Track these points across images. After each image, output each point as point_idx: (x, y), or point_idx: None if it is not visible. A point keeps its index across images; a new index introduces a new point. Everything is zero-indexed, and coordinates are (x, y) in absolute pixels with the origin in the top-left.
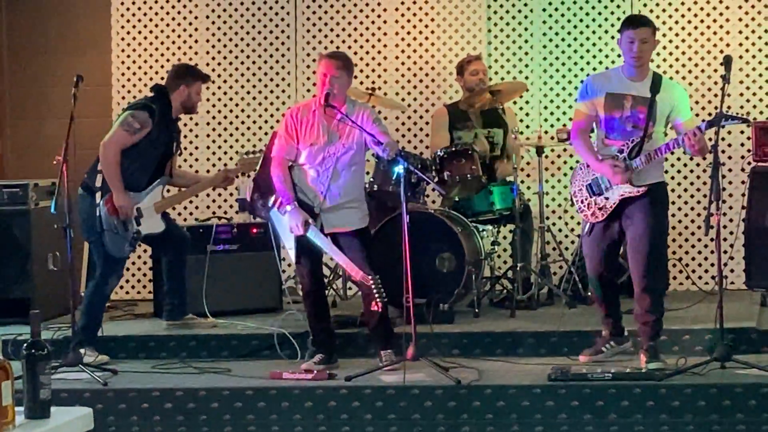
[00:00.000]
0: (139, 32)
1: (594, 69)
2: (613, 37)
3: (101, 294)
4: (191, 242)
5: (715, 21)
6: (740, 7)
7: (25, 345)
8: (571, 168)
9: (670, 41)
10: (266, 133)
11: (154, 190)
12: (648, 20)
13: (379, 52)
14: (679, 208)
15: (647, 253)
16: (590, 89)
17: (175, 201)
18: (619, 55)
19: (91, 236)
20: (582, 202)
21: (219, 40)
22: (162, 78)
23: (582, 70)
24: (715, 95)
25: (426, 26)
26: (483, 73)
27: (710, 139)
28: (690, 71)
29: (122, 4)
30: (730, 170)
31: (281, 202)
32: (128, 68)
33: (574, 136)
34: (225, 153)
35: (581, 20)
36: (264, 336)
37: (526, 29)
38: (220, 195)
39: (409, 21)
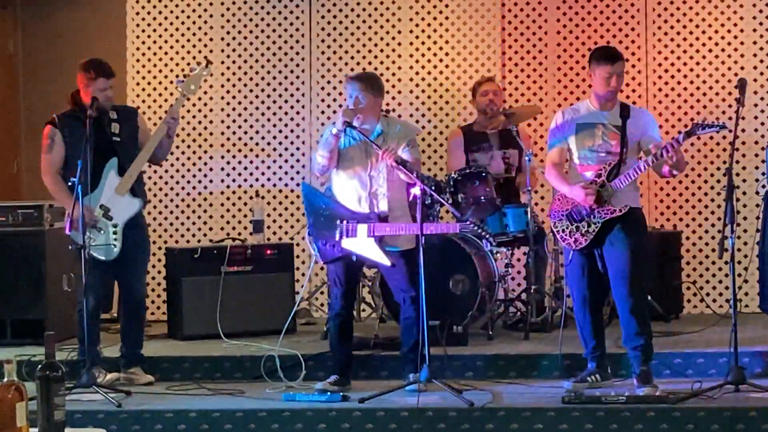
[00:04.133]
0: (154, 54)
1: None
2: (627, 60)
3: (80, 312)
4: (205, 263)
5: (729, 44)
6: (755, 30)
7: (39, 366)
8: None
9: (685, 64)
10: (281, 155)
11: (107, 178)
12: (620, 53)
13: (393, 75)
14: (693, 231)
15: (630, 275)
16: (560, 122)
17: (133, 172)
18: (633, 78)
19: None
20: (563, 231)
21: (234, 62)
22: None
23: None
24: (729, 118)
25: (441, 48)
26: (493, 94)
27: (725, 162)
28: (704, 94)
29: (137, 26)
30: (744, 193)
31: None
32: (143, 89)
33: (548, 168)
34: (239, 174)
35: (595, 42)
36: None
37: (540, 51)
38: (234, 216)
39: (423, 43)
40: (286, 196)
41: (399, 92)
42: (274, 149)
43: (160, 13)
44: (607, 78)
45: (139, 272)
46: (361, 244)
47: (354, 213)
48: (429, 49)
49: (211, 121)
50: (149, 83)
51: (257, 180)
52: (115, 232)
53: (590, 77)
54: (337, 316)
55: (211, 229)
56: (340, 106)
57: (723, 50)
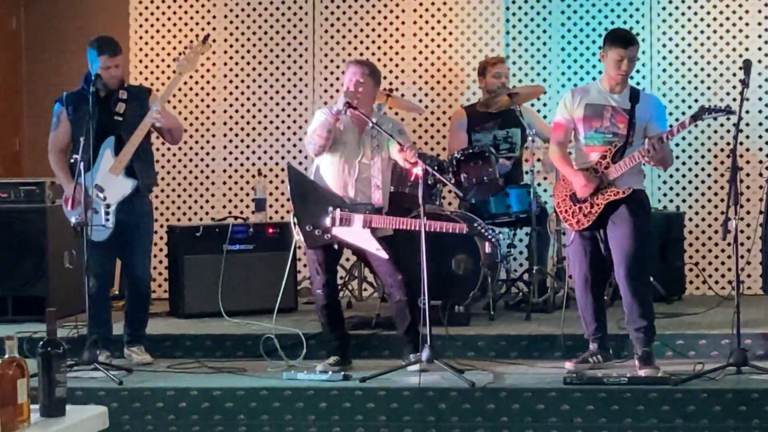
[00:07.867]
0: (157, 31)
1: None
2: None
3: (87, 293)
4: (207, 242)
5: (734, 25)
6: (759, 11)
7: (41, 343)
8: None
9: (689, 45)
10: (283, 133)
11: (103, 158)
12: (635, 37)
13: (396, 53)
14: (697, 213)
15: (633, 257)
16: (569, 101)
17: (128, 152)
18: (637, 59)
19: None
20: (566, 212)
21: (237, 40)
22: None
23: (600, 72)
24: (734, 99)
25: (444, 27)
26: (506, 77)
27: (728, 144)
28: (709, 75)
29: (140, 2)
30: (748, 175)
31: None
32: (146, 67)
33: (552, 147)
34: (242, 153)
35: (600, 23)
36: (279, 336)
37: (544, 31)
38: (236, 195)
39: (427, 22)
40: None
41: (402, 71)
42: (277, 128)
43: None
44: (619, 61)
45: (140, 253)
46: (356, 234)
47: (347, 201)
48: (432, 28)
49: (213, 99)
50: (152, 60)
51: (259, 159)
52: (107, 213)
53: (602, 58)
54: (324, 307)
55: (213, 207)
56: (342, 84)
57: (728, 31)
